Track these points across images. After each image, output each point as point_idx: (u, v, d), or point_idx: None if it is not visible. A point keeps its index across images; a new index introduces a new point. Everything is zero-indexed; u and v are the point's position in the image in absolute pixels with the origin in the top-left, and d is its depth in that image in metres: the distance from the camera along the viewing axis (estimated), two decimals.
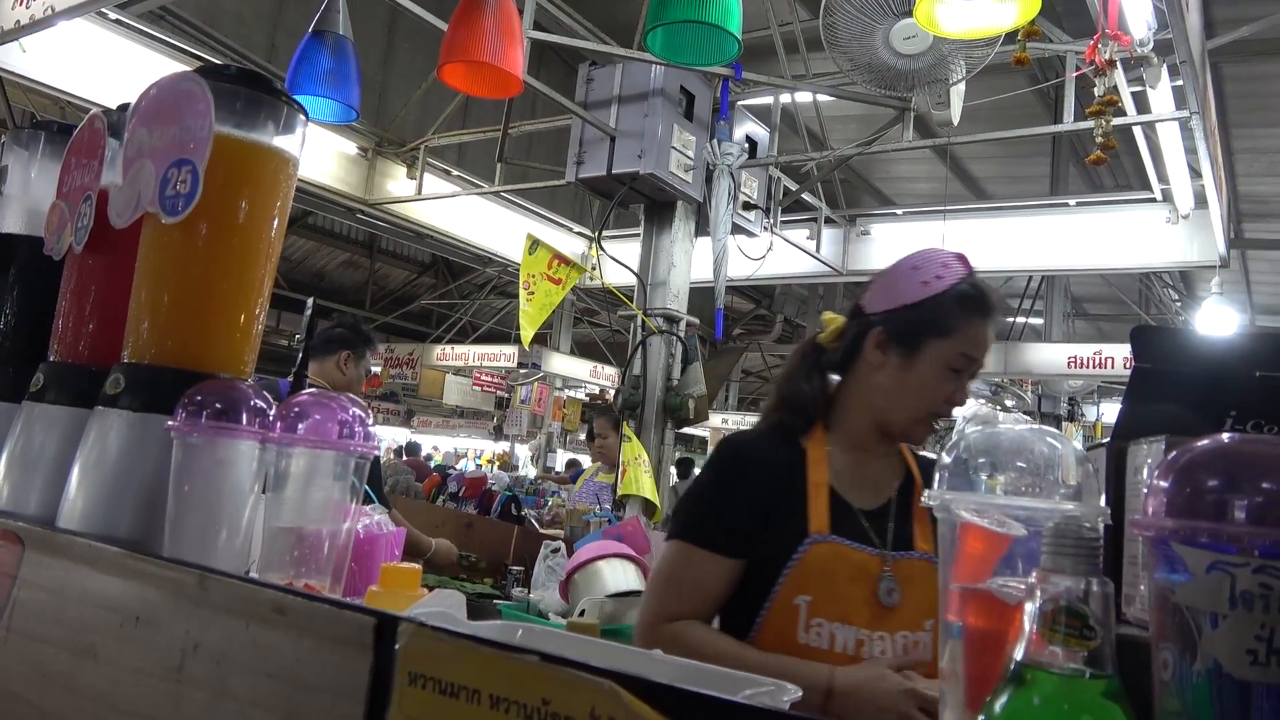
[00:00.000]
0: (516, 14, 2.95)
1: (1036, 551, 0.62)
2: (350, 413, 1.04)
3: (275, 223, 1.17)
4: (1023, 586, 0.62)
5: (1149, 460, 0.65)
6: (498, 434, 16.28)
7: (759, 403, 19.07)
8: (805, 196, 6.72)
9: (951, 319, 1.39)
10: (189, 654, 0.84)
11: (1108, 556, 0.61)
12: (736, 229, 4.83)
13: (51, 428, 1.16)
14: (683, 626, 1.37)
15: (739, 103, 5.14)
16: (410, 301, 15.30)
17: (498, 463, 15.53)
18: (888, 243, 7.43)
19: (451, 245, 8.37)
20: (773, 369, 18.01)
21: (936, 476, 0.68)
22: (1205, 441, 0.52)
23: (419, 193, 6.94)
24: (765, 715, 0.59)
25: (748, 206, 5.00)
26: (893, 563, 1.35)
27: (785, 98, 6.25)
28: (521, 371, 13.36)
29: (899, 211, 7.90)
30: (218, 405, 1.00)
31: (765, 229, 5.45)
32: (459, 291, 15.15)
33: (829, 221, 7.18)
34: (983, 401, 12.23)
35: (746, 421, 14.99)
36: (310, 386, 1.69)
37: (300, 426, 1.04)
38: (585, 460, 10.00)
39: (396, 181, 7.18)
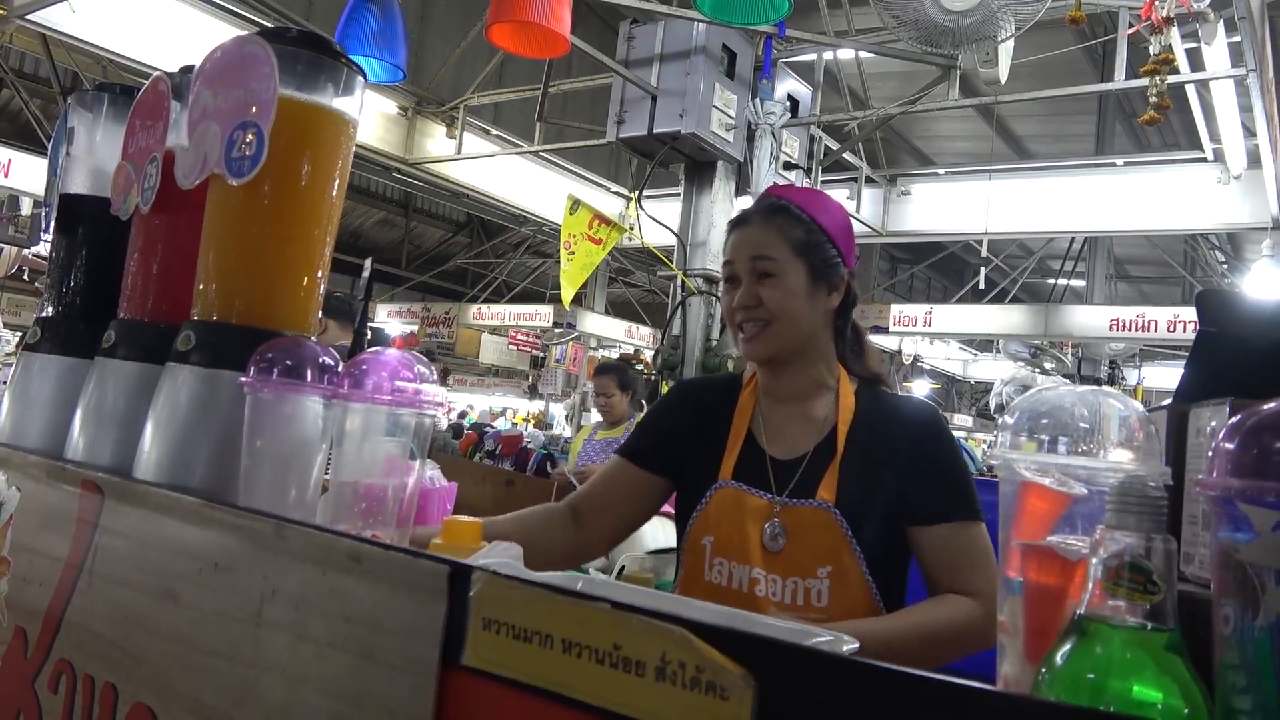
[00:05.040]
0: None
1: (1096, 511, 0.64)
2: (414, 371, 1.07)
3: (336, 184, 1.19)
4: (1083, 544, 0.64)
5: (1212, 423, 0.66)
6: (533, 393, 16.41)
7: None
8: (846, 156, 6.64)
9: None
10: (267, 599, 0.88)
11: (1168, 517, 0.62)
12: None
13: (123, 383, 1.20)
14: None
15: (781, 60, 5.07)
16: (446, 261, 15.39)
17: (533, 421, 15.67)
18: (928, 203, 7.34)
19: (488, 204, 8.40)
20: None
21: (997, 437, 0.70)
22: (1273, 404, 0.53)
23: (459, 152, 6.95)
24: (826, 659, 0.61)
25: (789, 166, 4.97)
26: (782, 509, 1.42)
27: (828, 55, 6.16)
28: (556, 331, 13.44)
29: (940, 171, 7.79)
30: (288, 362, 1.03)
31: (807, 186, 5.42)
32: (494, 251, 15.21)
33: (869, 181, 7.11)
34: (1021, 364, 12.10)
35: None
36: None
37: (366, 384, 1.07)
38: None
39: (435, 140, 7.20)
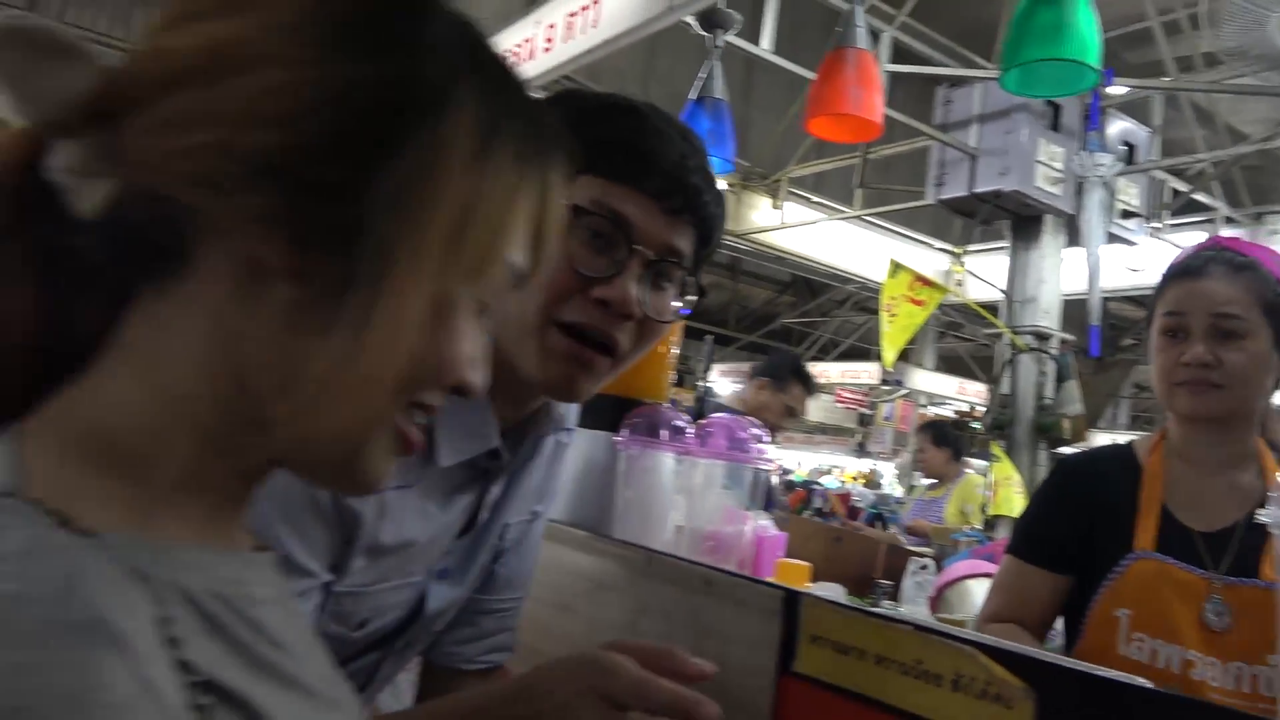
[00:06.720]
0: (874, 63, 3.14)
1: None
2: (749, 433, 1.28)
3: None
4: None
5: None
6: (860, 451, 16.20)
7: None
8: (1198, 196, 6.07)
9: (1158, 293, 1.44)
10: (640, 613, 1.12)
11: None
12: (1114, 238, 4.54)
13: None
14: (999, 628, 1.45)
15: (1113, 105, 4.83)
16: (771, 320, 15.78)
17: (861, 480, 15.47)
18: None
19: (811, 266, 8.62)
20: None
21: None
22: None
23: (782, 221, 7.28)
24: (1096, 680, 0.72)
25: (1127, 215, 4.69)
26: (1223, 587, 1.30)
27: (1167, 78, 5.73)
28: (884, 388, 13.25)
29: None
30: (650, 425, 1.29)
31: (1150, 234, 5.05)
32: (819, 310, 15.36)
33: (1229, 221, 6.42)
34: None
35: None
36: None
37: (709, 443, 1.31)
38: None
39: (759, 211, 7.58)
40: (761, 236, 7.62)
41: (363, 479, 0.50)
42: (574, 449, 1.39)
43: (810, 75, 4.34)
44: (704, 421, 1.33)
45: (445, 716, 0.86)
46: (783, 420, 3.54)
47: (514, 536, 1.10)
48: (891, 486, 13.91)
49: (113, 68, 0.46)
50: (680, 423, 1.32)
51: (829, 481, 14.50)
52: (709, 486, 1.34)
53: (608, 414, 1.36)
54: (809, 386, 3.52)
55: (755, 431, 1.29)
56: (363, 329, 0.45)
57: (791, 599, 0.93)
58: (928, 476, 4.95)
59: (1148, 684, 0.64)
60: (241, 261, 0.45)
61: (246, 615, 0.47)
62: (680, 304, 1.00)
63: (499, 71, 0.51)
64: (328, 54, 0.45)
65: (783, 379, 3.43)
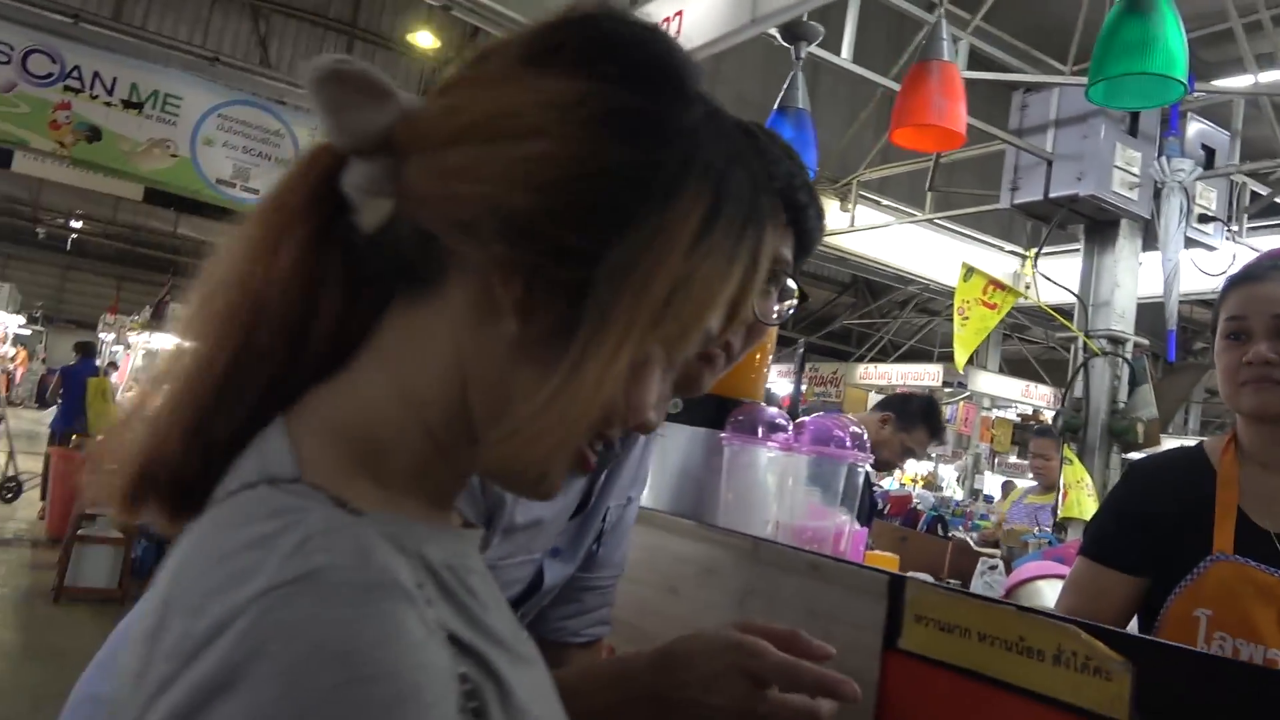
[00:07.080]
0: (958, 74, 3.20)
1: None
2: (849, 432, 1.36)
3: None
4: None
5: None
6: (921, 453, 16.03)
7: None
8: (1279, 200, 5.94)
9: (1220, 300, 1.50)
10: (746, 595, 1.20)
11: None
12: (1191, 243, 4.49)
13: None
14: None
15: (1192, 109, 4.77)
16: (831, 321, 15.72)
17: (921, 482, 15.34)
18: None
19: (875, 268, 8.62)
20: None
21: None
22: None
23: (852, 225, 7.30)
24: (1190, 654, 0.79)
25: (1204, 219, 4.63)
26: None
27: (1247, 80, 5.61)
28: (946, 390, 13.13)
29: None
30: (752, 423, 1.38)
31: (1228, 238, 4.97)
32: (879, 311, 15.26)
33: None
34: None
35: None
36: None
37: (804, 441, 1.39)
38: (1019, 483, 9.74)
39: (829, 215, 7.59)
40: (826, 239, 7.64)
41: (542, 491, 0.58)
42: (677, 444, 1.49)
43: (876, 79, 4.37)
44: (800, 421, 1.41)
45: (593, 681, 0.96)
46: (899, 459, 3.42)
47: (613, 519, 1.20)
48: (952, 489, 13.78)
49: (412, 111, 0.54)
50: (780, 420, 1.41)
51: (889, 483, 14.40)
52: (800, 482, 1.42)
53: (708, 412, 1.46)
54: (935, 431, 3.40)
55: (854, 430, 1.37)
56: (572, 376, 0.50)
57: (897, 582, 1.01)
58: (1047, 484, 4.78)
59: (1241, 662, 0.71)
60: (480, 295, 0.52)
61: (466, 583, 0.56)
62: (782, 308, 1.09)
63: (733, 154, 0.57)
64: (592, 134, 0.51)
65: (909, 419, 3.31)
